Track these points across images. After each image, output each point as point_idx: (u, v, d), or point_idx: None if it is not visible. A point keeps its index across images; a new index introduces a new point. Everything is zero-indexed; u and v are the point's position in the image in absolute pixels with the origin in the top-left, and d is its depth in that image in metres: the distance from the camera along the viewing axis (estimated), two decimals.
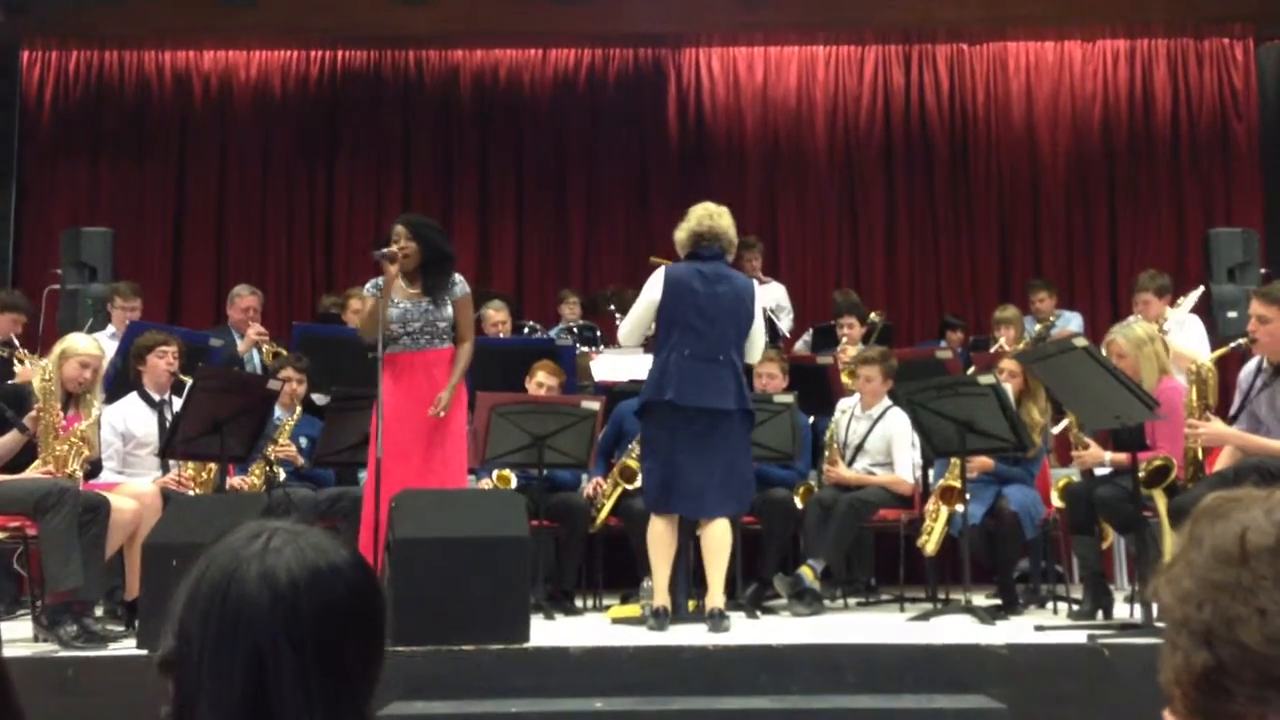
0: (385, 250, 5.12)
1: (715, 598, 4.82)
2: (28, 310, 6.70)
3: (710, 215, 5.04)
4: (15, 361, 5.87)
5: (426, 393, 5.06)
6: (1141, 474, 4.73)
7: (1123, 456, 4.91)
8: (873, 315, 7.79)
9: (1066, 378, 4.86)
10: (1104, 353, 5.00)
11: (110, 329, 6.82)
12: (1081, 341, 4.83)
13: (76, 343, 5.20)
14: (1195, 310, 6.69)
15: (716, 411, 4.86)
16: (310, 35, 9.49)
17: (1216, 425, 4.59)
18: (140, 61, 9.50)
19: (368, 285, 5.30)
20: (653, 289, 5.02)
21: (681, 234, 5.07)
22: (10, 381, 5.62)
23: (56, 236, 8.16)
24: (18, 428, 4.99)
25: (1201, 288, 6.89)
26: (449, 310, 5.16)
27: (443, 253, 5.20)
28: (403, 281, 5.16)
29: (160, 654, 1.19)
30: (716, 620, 4.73)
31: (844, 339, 7.39)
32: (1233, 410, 4.75)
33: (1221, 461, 4.78)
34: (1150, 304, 6.50)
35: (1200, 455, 4.80)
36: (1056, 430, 5.85)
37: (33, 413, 4.95)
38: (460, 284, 5.25)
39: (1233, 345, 4.97)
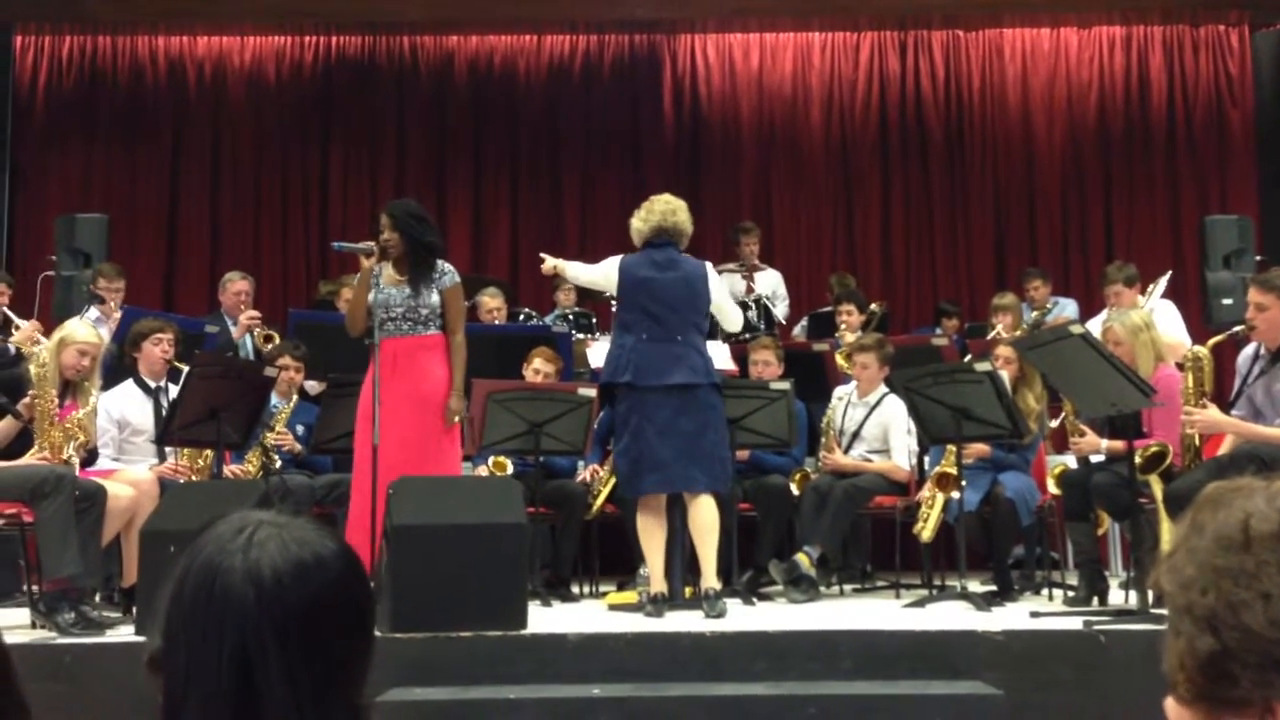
0: (352, 244, 5.21)
1: (709, 578, 4.85)
2: (9, 281, 6.74)
3: (673, 211, 5.17)
4: (13, 330, 5.90)
5: (409, 377, 5.06)
6: (1138, 460, 4.74)
7: (1119, 444, 4.92)
8: (873, 305, 7.80)
9: (1063, 365, 4.86)
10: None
11: (94, 312, 6.77)
12: (1078, 328, 4.83)
13: (75, 330, 5.18)
14: (1166, 295, 6.69)
15: (678, 387, 4.94)
16: (304, 21, 9.45)
17: (1213, 412, 4.60)
18: (134, 47, 9.46)
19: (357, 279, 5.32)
20: (609, 271, 5.18)
21: (642, 226, 5.17)
22: (10, 340, 5.64)
23: (50, 223, 8.12)
24: (11, 413, 4.99)
25: (1170, 272, 6.89)
26: (433, 298, 5.15)
27: (423, 243, 5.17)
28: (391, 268, 5.17)
29: (149, 652, 1.19)
30: (712, 601, 4.75)
31: (843, 325, 7.39)
32: (1230, 397, 4.76)
33: (1221, 449, 4.79)
34: (1122, 294, 6.50)
35: (1198, 441, 4.82)
36: (1055, 424, 5.85)
37: (26, 399, 4.94)
38: (450, 274, 5.23)
39: (1230, 333, 4.98)
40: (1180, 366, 5.05)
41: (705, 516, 4.93)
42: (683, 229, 5.17)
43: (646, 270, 5.08)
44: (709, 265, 5.27)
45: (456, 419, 5.09)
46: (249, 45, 9.54)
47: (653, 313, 5.01)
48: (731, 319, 5.42)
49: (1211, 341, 4.97)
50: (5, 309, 6.52)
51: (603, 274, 5.28)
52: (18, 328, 5.81)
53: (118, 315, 6.56)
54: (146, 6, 9.17)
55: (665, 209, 5.16)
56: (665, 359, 4.96)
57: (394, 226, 5.14)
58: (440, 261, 5.24)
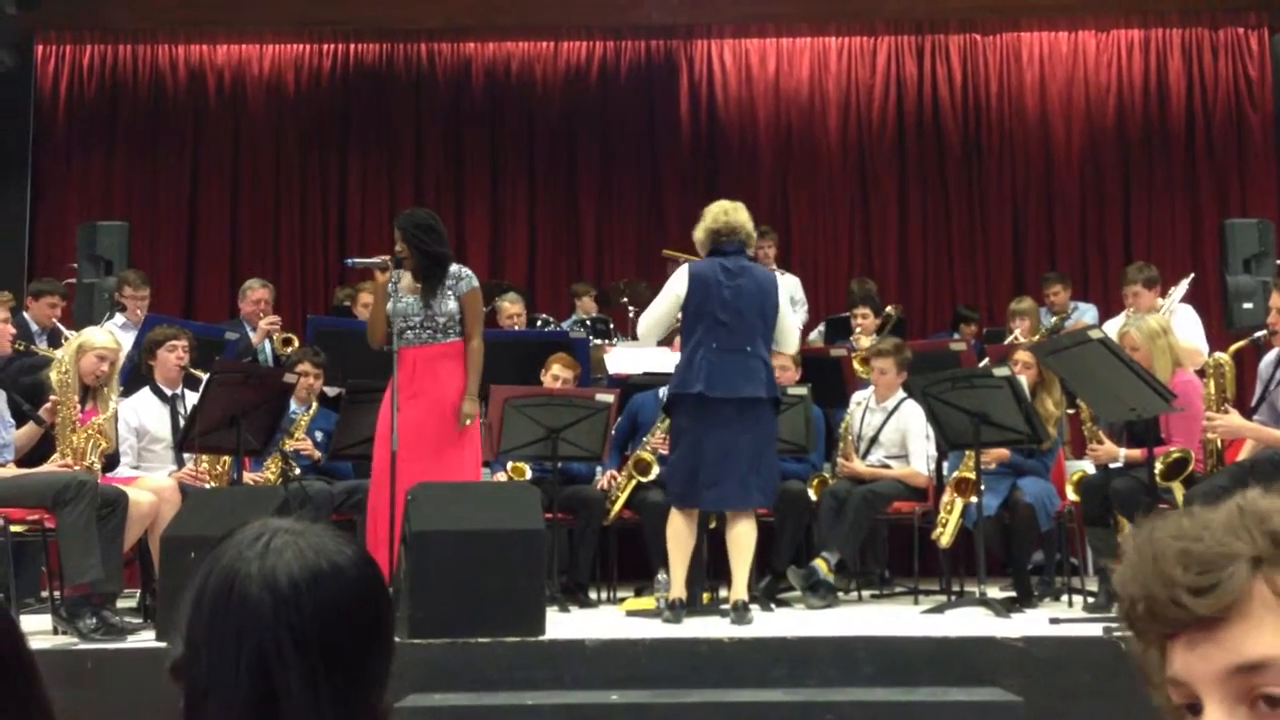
0: (365, 260, 5.24)
1: (739, 591, 4.84)
2: (63, 293, 6.77)
3: (726, 211, 5.06)
4: (62, 340, 5.93)
5: (432, 385, 5.07)
6: (1160, 467, 4.72)
7: (1137, 453, 4.89)
8: (889, 309, 7.78)
9: (1082, 370, 4.85)
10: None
11: (120, 318, 6.84)
12: (1097, 333, 4.81)
13: (94, 336, 5.23)
14: (1186, 299, 6.64)
15: (745, 400, 4.88)
16: (323, 28, 9.51)
17: (1233, 418, 4.58)
18: (154, 55, 9.53)
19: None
20: (678, 284, 5.02)
21: (699, 233, 5.09)
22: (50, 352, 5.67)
23: (72, 230, 8.19)
24: (34, 420, 5.03)
25: (1191, 275, 6.84)
26: (449, 305, 5.17)
27: (430, 254, 5.17)
28: (409, 277, 5.19)
29: (171, 659, 1.20)
30: (741, 612, 4.75)
31: (858, 329, 7.38)
32: (1253, 402, 4.74)
33: (1244, 453, 4.77)
34: (1140, 296, 6.46)
35: (1220, 446, 4.79)
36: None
37: (48, 405, 4.98)
38: (467, 279, 5.24)
39: (1251, 338, 4.95)
40: (1201, 373, 5.02)
41: (745, 532, 4.92)
42: (740, 227, 5.05)
43: (717, 276, 4.97)
44: (791, 278, 5.18)
45: (468, 422, 5.10)
46: (268, 53, 9.60)
47: (723, 320, 4.91)
48: (790, 340, 5.25)
49: (1233, 347, 4.95)
50: (57, 321, 6.57)
51: (668, 299, 5.07)
52: (66, 338, 5.86)
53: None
54: (166, 16, 9.25)
55: (718, 210, 5.07)
56: (736, 370, 4.88)
57: (402, 239, 5.17)
58: (457, 267, 5.25)
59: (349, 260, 5.53)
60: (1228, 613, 0.82)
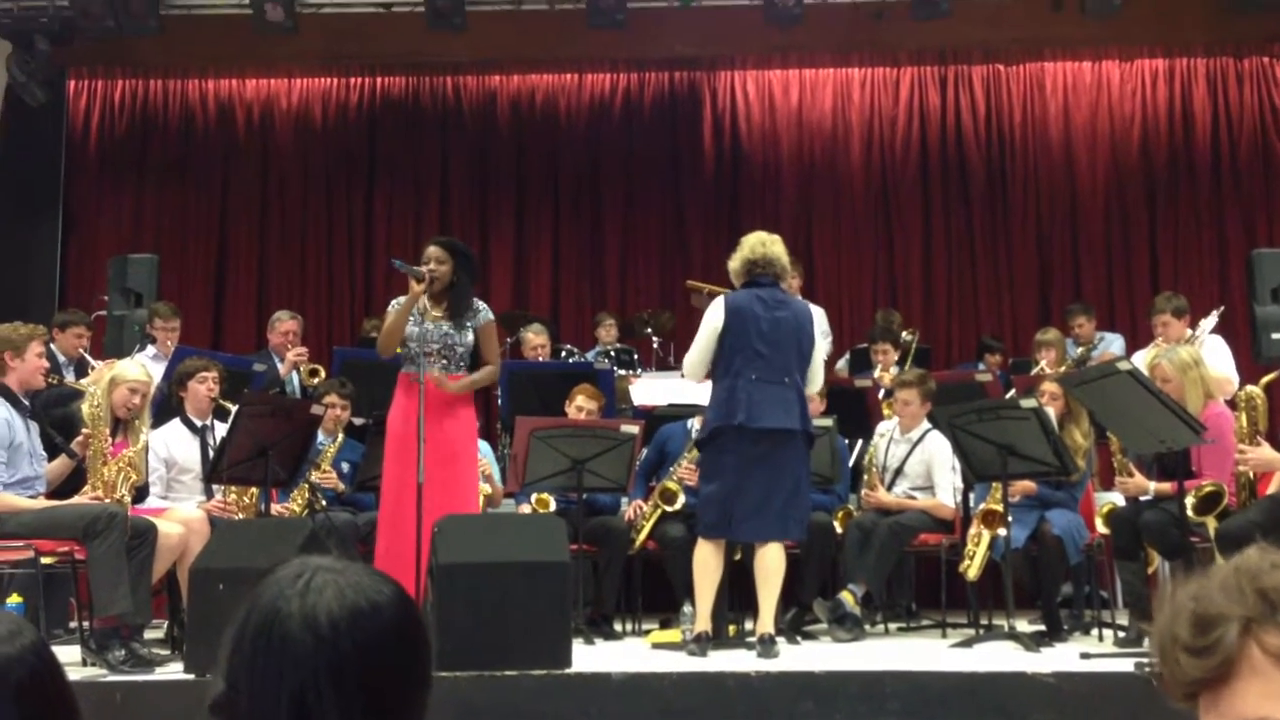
0: (410, 266, 5.17)
1: (765, 623, 4.81)
2: (89, 323, 6.84)
3: (763, 243, 5.07)
4: (89, 370, 5.98)
5: (437, 416, 5.06)
6: (1192, 500, 4.68)
7: (1167, 486, 4.85)
8: (904, 334, 7.75)
9: (1110, 401, 4.81)
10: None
11: (151, 350, 6.91)
12: (1125, 365, 4.78)
13: (126, 369, 5.27)
14: (1216, 330, 6.60)
15: (782, 432, 4.87)
16: (350, 62, 9.61)
17: (1265, 450, 4.54)
18: (184, 90, 9.66)
19: (391, 303, 5.33)
20: (714, 316, 5.01)
21: (735, 263, 5.09)
22: (87, 381, 5.72)
23: (102, 263, 8.27)
24: (66, 453, 5.07)
25: (1221, 308, 6.80)
26: (469, 337, 5.20)
27: (466, 283, 5.21)
28: (428, 301, 5.19)
29: (211, 697, 1.21)
30: (767, 646, 4.72)
31: (878, 365, 7.35)
32: None
33: (1273, 486, 4.72)
34: (1170, 325, 6.42)
35: (1253, 478, 4.75)
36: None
37: (80, 437, 5.02)
38: (484, 311, 5.28)
39: None
40: (1233, 405, 4.98)
41: (773, 564, 4.89)
42: (776, 259, 5.04)
43: (755, 308, 4.95)
44: (816, 310, 5.14)
45: (440, 385, 5.07)
46: (296, 87, 9.71)
47: (762, 352, 4.90)
48: (816, 380, 5.19)
49: (1264, 380, 4.91)
50: (84, 351, 6.64)
51: (707, 333, 5.01)
52: (93, 368, 5.91)
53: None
54: (196, 51, 9.37)
55: (755, 242, 5.07)
56: (775, 401, 4.87)
57: (451, 259, 5.18)
58: (475, 301, 5.29)
59: (396, 261, 5.43)
60: (1224, 672, 0.84)
